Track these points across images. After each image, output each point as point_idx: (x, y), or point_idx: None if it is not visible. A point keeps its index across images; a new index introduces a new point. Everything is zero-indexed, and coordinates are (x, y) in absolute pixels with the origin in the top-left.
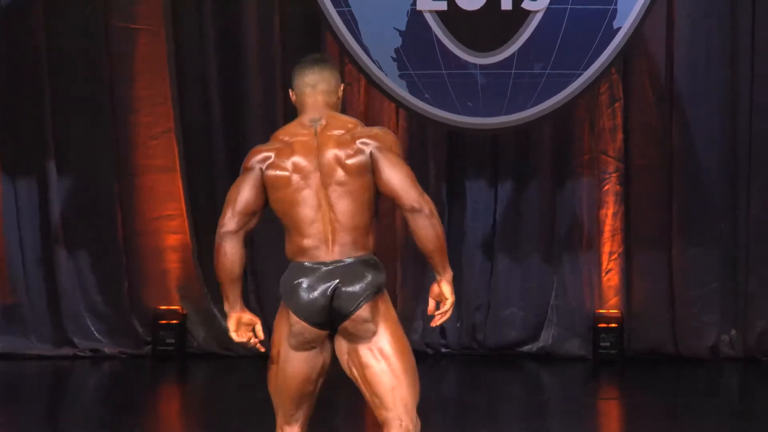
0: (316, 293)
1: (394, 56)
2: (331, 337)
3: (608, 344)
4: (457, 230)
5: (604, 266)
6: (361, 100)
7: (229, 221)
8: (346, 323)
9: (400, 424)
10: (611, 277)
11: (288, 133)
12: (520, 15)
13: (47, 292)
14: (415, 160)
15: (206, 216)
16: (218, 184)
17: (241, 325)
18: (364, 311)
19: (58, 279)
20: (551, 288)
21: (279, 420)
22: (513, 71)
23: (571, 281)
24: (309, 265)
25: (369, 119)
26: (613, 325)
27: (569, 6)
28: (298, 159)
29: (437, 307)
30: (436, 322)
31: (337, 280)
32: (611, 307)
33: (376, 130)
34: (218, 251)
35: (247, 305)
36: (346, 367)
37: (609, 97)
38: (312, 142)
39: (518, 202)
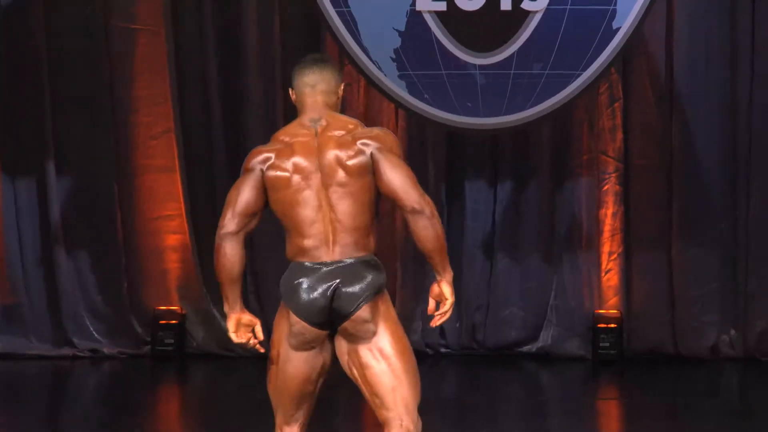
0: (316, 293)
1: (394, 57)
2: (331, 338)
3: (608, 344)
4: (457, 230)
5: (603, 266)
6: (361, 101)
7: (229, 222)
8: (346, 324)
9: (401, 424)
10: (611, 277)
11: (288, 133)
12: (519, 15)
13: (47, 292)
14: (414, 160)
15: (206, 216)
16: (218, 184)
17: (240, 326)
18: (364, 312)
19: (57, 279)
20: (551, 288)
21: (278, 420)
22: (512, 71)
23: (570, 281)
24: (309, 265)
25: (368, 120)
26: (613, 325)
27: (568, 6)
28: (298, 160)
29: (437, 308)
30: (436, 322)
31: (338, 281)
32: (611, 307)
33: (376, 130)
34: (218, 252)
35: (247, 306)
36: (346, 368)
37: (608, 97)
38: (312, 142)
39: (518, 203)
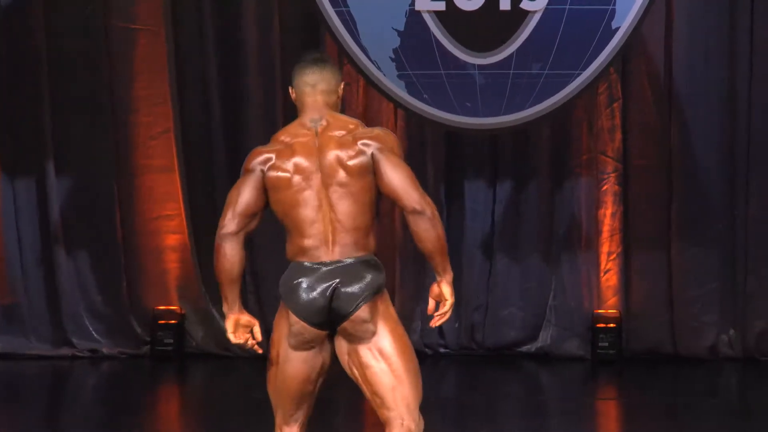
0: (315, 293)
1: (393, 56)
2: (330, 337)
3: (607, 344)
4: (456, 230)
5: (602, 266)
6: (360, 101)
7: (230, 223)
8: (345, 324)
9: (402, 423)
10: (610, 277)
11: (288, 134)
12: (518, 15)
13: (46, 292)
14: (413, 160)
15: (205, 216)
16: (218, 185)
17: (239, 327)
18: (363, 312)
19: (57, 279)
20: (550, 288)
21: (278, 420)
22: (511, 71)
23: (569, 281)
24: (309, 265)
25: (367, 119)
26: (612, 325)
27: (568, 6)
28: (299, 160)
29: (437, 308)
30: (435, 323)
31: (337, 281)
32: (610, 307)
33: (377, 131)
34: (218, 252)
35: (247, 306)
36: (346, 368)
37: (608, 97)
38: (313, 142)
39: (517, 203)
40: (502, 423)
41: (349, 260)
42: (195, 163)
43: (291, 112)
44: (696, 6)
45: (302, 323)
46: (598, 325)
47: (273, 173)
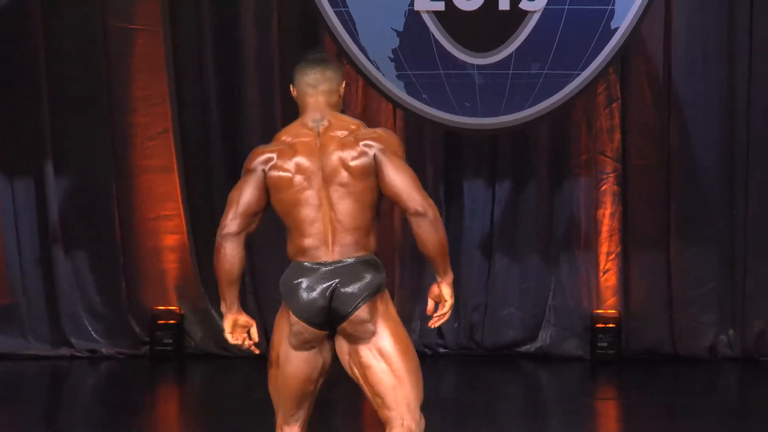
0: (315, 293)
1: (392, 56)
2: (331, 337)
3: (606, 344)
4: (455, 230)
5: (601, 266)
6: (359, 101)
7: (231, 223)
8: (345, 324)
9: (402, 423)
10: (609, 277)
11: (290, 133)
12: (517, 15)
13: (45, 292)
14: (412, 160)
15: (204, 216)
16: (216, 185)
17: (237, 327)
18: (362, 312)
19: (55, 279)
20: (549, 288)
21: (279, 420)
22: (511, 71)
23: (568, 281)
24: (309, 265)
25: (366, 119)
26: (611, 325)
27: (567, 6)
28: (300, 160)
29: (436, 308)
30: (434, 323)
31: (336, 281)
32: (609, 307)
33: (379, 131)
34: (218, 252)
35: (246, 307)
36: (347, 368)
37: (607, 97)
38: (314, 143)
39: (516, 203)
40: (502, 423)
41: (349, 260)
42: (194, 163)
43: (290, 112)
44: (695, 6)
45: (302, 323)
46: (598, 325)
47: (274, 173)
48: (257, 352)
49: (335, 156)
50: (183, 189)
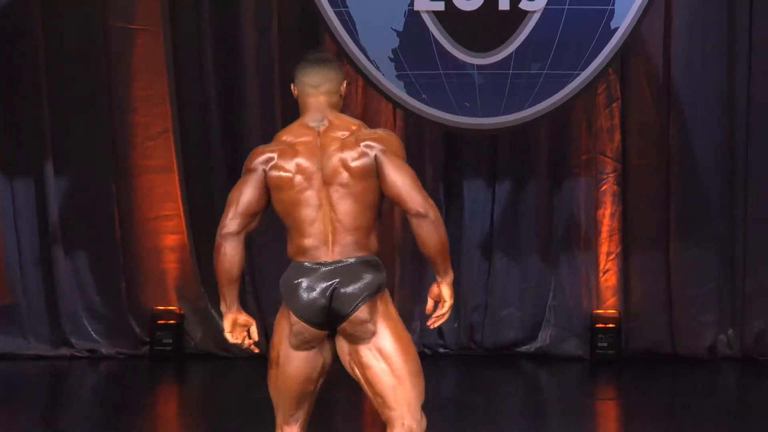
0: (315, 293)
1: (392, 56)
2: (331, 337)
3: (606, 344)
4: (455, 230)
5: (601, 266)
6: (359, 101)
7: (231, 222)
8: (345, 324)
9: (403, 423)
10: (609, 277)
11: (291, 133)
12: (517, 15)
13: (45, 292)
14: (412, 160)
15: (204, 216)
16: (216, 185)
17: (236, 326)
18: (362, 312)
19: (55, 279)
20: (549, 288)
21: (279, 420)
22: (510, 71)
23: (568, 281)
24: (309, 265)
25: (366, 120)
26: (611, 325)
27: (567, 6)
28: (301, 160)
29: (435, 308)
30: (434, 324)
31: (336, 281)
32: (609, 307)
33: (380, 132)
34: (218, 252)
35: (245, 307)
36: (348, 367)
37: (606, 97)
38: (315, 143)
39: (516, 203)
40: (502, 423)
41: (349, 260)
42: (194, 163)
43: (289, 112)
44: (695, 6)
45: (303, 323)
46: (597, 325)
47: (275, 173)
48: (257, 351)
49: (336, 156)
50: (183, 189)
